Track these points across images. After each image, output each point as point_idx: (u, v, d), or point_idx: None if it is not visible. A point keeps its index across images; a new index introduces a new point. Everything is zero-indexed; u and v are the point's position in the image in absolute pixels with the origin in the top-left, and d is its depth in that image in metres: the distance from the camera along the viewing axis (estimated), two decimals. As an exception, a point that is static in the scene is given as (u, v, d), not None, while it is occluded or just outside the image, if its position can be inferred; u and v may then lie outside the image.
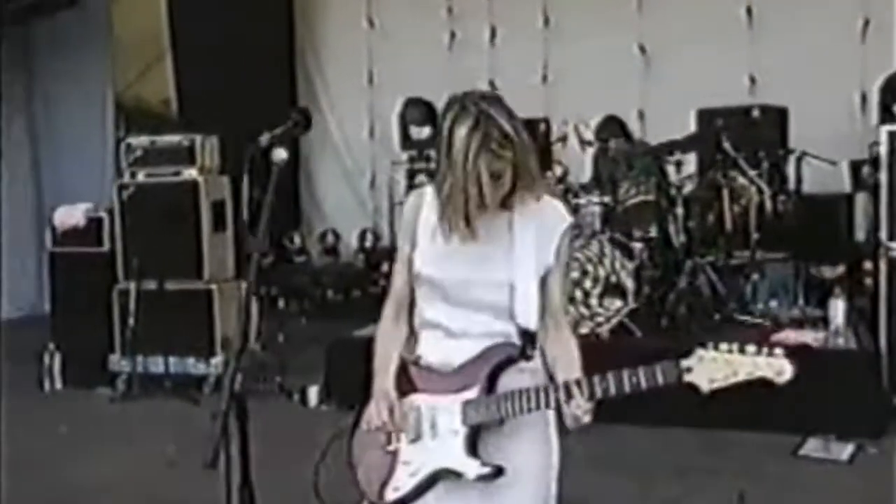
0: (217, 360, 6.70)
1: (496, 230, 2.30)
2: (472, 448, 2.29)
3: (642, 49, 9.00)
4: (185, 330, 6.60)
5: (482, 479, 2.27)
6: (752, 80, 8.45)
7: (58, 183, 9.41)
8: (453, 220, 2.23)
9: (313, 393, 6.41)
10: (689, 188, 6.79)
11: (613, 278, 6.04)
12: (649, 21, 8.92)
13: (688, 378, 2.12)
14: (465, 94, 2.25)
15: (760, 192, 6.86)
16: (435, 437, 2.33)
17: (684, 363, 2.14)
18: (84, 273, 6.80)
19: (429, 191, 2.39)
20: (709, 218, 6.73)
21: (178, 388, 6.56)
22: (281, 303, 9.12)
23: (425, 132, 8.88)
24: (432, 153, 8.98)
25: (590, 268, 6.11)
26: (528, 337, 2.31)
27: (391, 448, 2.39)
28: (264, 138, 2.56)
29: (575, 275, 6.12)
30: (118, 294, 6.72)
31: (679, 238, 6.47)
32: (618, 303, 6.05)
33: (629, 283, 6.00)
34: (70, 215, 6.78)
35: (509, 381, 2.30)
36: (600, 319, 6.04)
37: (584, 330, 6.07)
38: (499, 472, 2.27)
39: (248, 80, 9.28)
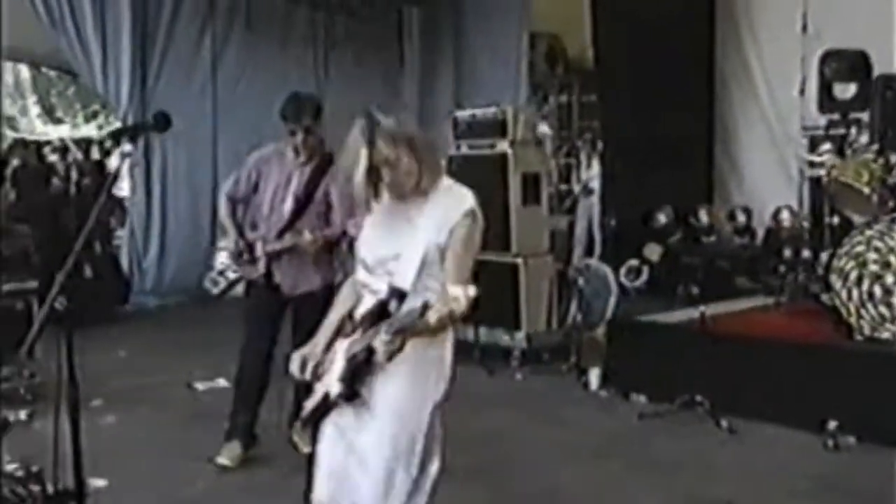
0: (521, 334, 6.73)
1: (411, 214, 2.81)
2: (346, 377, 2.76)
3: None
4: (494, 301, 6.70)
5: (340, 398, 2.76)
6: None
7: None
8: (362, 205, 2.84)
9: (594, 376, 6.14)
10: None
11: (924, 273, 4.83)
12: None
13: (427, 314, 2.49)
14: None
15: None
16: (331, 371, 2.83)
17: (432, 300, 2.51)
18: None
19: None
20: None
21: (485, 358, 6.74)
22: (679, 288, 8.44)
23: (851, 90, 7.65)
24: (863, 116, 7.79)
25: (893, 259, 4.93)
26: (397, 294, 2.68)
27: (316, 383, 2.92)
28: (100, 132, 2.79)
29: (874, 268, 5.00)
30: (444, 263, 7.06)
31: None
32: (929, 304, 4.84)
33: (943, 280, 4.74)
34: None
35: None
36: (906, 322, 4.90)
37: (884, 335, 4.95)
38: (353, 394, 2.75)
39: (665, 31, 8.90)
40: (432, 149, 2.95)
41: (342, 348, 2.83)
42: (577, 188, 10.55)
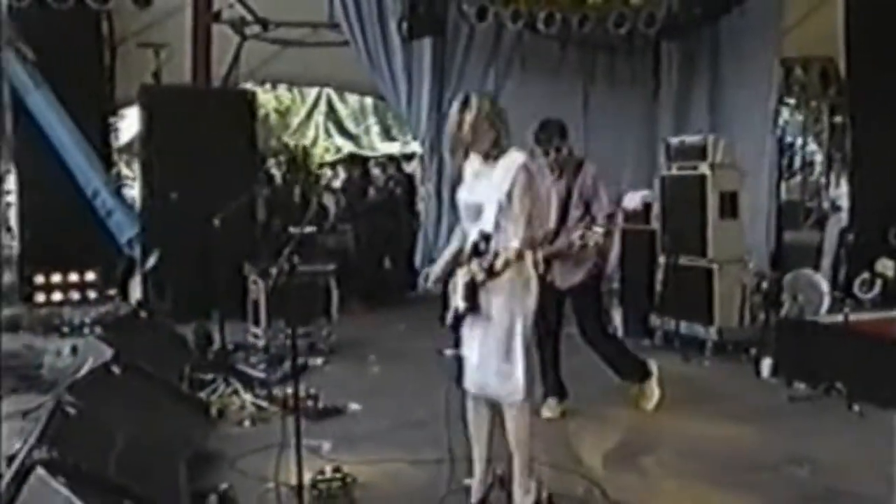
0: (714, 328, 7.85)
1: (488, 173, 4.18)
2: (467, 295, 4.12)
3: None
4: (692, 299, 7.90)
5: (466, 311, 4.14)
6: None
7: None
8: (459, 158, 4.33)
9: (766, 365, 7.13)
10: None
11: None
12: None
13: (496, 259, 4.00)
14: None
15: None
16: (456, 292, 4.20)
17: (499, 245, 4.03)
18: (638, 247, 8.58)
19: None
20: None
21: (684, 347, 7.92)
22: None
23: None
24: None
25: None
26: (485, 236, 4.06)
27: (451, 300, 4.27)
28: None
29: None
30: (656, 266, 8.33)
31: None
32: None
33: None
34: (633, 199, 8.60)
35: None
36: None
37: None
38: (474, 308, 4.11)
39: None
40: (506, 127, 4.19)
41: (460, 276, 4.17)
42: (826, 205, 11.17)
